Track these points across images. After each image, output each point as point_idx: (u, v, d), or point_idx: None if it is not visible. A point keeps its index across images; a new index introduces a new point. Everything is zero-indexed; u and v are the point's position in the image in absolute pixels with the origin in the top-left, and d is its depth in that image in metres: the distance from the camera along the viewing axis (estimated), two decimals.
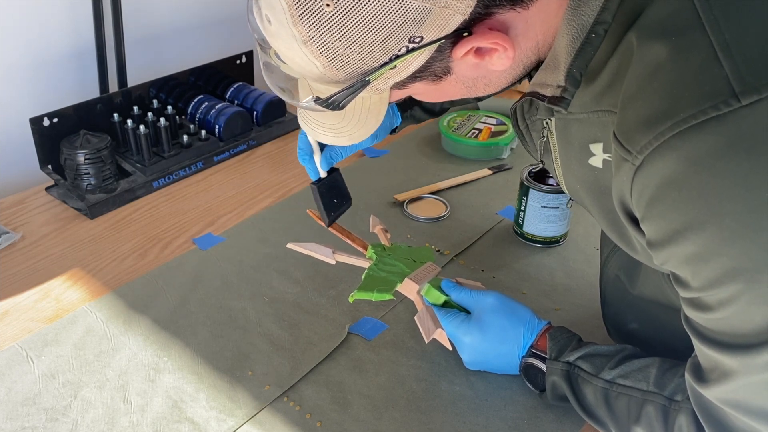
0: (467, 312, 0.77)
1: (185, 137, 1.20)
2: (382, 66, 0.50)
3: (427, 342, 0.72)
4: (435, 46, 0.50)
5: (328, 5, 0.46)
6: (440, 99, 0.61)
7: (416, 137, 1.32)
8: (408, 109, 0.90)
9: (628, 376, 0.66)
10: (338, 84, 0.52)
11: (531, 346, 0.73)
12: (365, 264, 0.81)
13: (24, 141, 1.09)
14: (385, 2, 0.46)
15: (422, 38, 0.49)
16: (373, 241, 0.85)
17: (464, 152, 1.25)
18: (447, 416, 0.73)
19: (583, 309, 0.89)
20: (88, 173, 1.06)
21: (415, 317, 0.75)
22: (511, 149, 1.28)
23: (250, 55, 1.39)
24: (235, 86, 1.34)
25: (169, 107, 1.21)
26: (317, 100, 0.53)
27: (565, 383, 0.69)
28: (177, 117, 1.23)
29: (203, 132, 1.23)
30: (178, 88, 1.28)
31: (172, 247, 1.00)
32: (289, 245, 0.84)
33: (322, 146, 0.82)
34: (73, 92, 1.21)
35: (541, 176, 1.03)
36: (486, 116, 1.32)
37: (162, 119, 1.15)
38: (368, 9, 0.46)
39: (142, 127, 1.13)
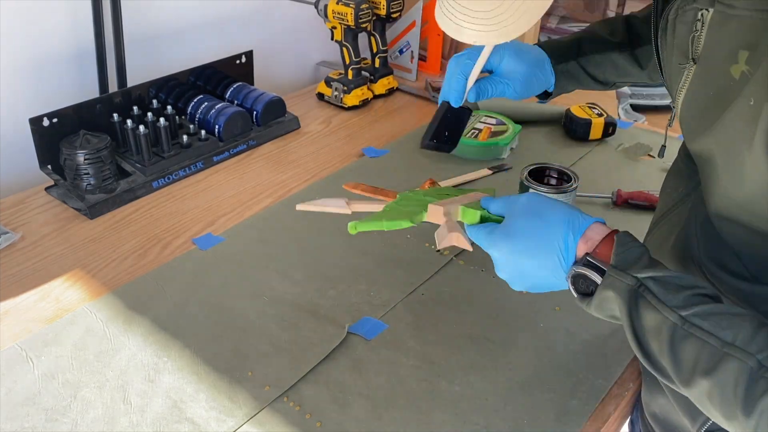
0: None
1: (185, 137, 1.20)
2: None
3: (438, 248, 0.62)
4: None
5: None
6: None
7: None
8: (563, 62, 0.82)
9: (709, 318, 0.52)
10: None
11: (587, 253, 0.59)
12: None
13: (24, 141, 1.09)
14: None
15: None
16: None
17: (464, 152, 1.25)
18: (447, 416, 0.73)
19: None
20: (88, 173, 1.06)
21: (435, 233, 0.64)
22: (511, 149, 1.28)
23: (250, 55, 1.39)
24: (235, 86, 1.35)
25: (169, 107, 1.21)
26: None
27: (624, 302, 0.56)
28: (177, 117, 1.23)
29: (203, 132, 1.23)
30: (178, 88, 1.28)
31: (172, 247, 1.00)
32: (298, 207, 0.72)
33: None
34: (73, 92, 1.21)
35: (540, 176, 1.03)
36: (486, 116, 1.32)
37: (162, 119, 1.15)
38: None
39: (141, 127, 1.13)
